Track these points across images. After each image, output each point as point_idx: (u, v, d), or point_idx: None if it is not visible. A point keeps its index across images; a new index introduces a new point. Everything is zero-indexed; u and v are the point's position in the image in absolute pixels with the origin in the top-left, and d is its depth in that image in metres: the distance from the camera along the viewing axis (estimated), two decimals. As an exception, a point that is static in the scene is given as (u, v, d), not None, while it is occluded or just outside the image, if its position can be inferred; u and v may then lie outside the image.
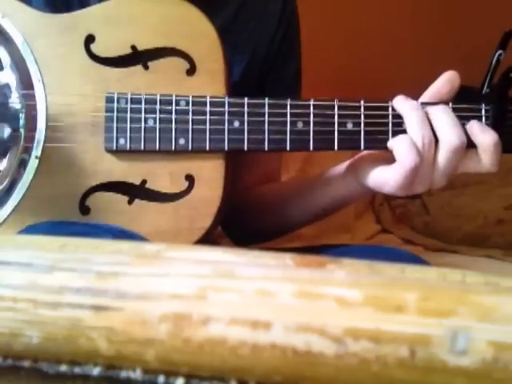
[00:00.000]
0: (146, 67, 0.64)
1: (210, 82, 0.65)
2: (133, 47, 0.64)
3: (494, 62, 0.63)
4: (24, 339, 0.25)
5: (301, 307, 0.24)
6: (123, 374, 0.25)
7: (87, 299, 0.25)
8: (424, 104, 0.62)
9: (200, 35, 0.65)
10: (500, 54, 0.63)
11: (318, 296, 0.24)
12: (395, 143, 0.60)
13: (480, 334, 0.23)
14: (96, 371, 0.25)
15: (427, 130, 0.59)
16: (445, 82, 0.63)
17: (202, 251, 0.28)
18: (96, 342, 0.24)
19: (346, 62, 1.75)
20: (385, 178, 0.61)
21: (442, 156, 0.59)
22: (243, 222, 0.82)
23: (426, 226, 1.57)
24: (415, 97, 0.63)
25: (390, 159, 0.61)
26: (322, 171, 0.73)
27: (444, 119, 0.60)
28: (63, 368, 0.26)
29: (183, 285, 0.25)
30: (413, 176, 0.59)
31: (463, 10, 1.71)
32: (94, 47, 0.64)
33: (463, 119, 0.62)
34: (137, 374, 0.25)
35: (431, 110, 0.61)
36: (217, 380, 0.24)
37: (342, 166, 0.70)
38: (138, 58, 0.64)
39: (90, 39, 0.64)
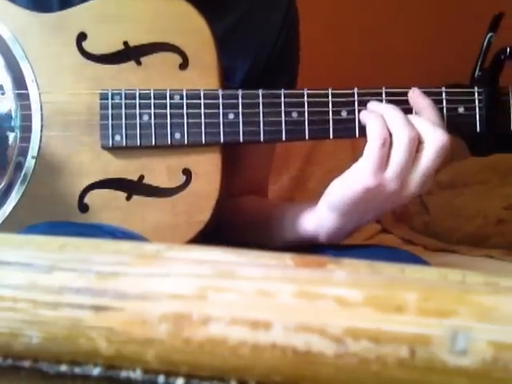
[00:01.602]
0: (139, 63, 0.64)
1: (203, 76, 0.65)
2: (125, 43, 0.64)
3: (485, 45, 0.64)
4: (24, 339, 0.25)
5: (301, 307, 0.24)
6: (123, 373, 0.25)
7: (87, 299, 0.25)
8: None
9: (192, 29, 0.65)
10: (491, 37, 0.63)
11: (317, 296, 0.24)
12: (368, 116, 0.61)
13: (480, 334, 0.23)
14: (96, 371, 0.25)
15: (411, 125, 0.59)
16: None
17: (201, 251, 0.28)
18: (96, 341, 0.24)
19: (343, 59, 1.76)
20: (355, 171, 0.59)
21: (427, 156, 0.58)
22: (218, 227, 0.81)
23: (425, 226, 1.57)
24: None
25: None
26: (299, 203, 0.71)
27: (427, 117, 0.60)
28: (63, 368, 0.26)
29: (183, 285, 0.25)
30: (384, 155, 0.57)
31: (459, 7, 1.71)
32: (86, 45, 0.64)
33: (456, 103, 0.63)
34: (137, 374, 0.25)
35: (417, 105, 0.61)
36: (217, 380, 0.24)
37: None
38: (130, 53, 0.64)
39: (81, 37, 0.64)
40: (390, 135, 0.58)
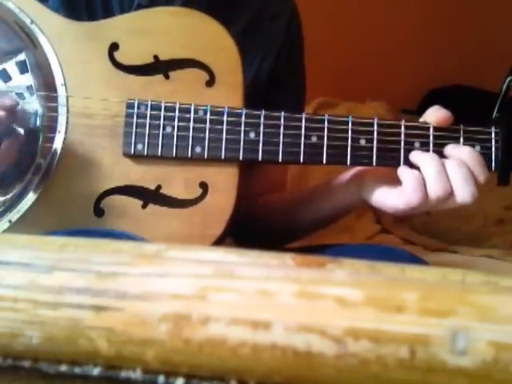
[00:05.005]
0: (167, 77, 0.66)
1: (228, 94, 0.66)
2: (155, 57, 0.66)
3: (504, 88, 0.65)
4: (24, 339, 0.25)
5: (301, 307, 0.24)
6: (123, 374, 0.25)
7: (87, 299, 0.25)
8: (438, 134, 0.64)
9: (221, 49, 0.67)
10: (510, 81, 0.64)
11: (318, 296, 0.24)
12: (406, 174, 0.62)
13: (480, 334, 0.23)
14: (96, 371, 0.25)
15: (446, 182, 0.61)
16: (430, 114, 0.66)
17: (202, 251, 0.27)
18: (96, 342, 0.24)
19: (348, 61, 1.76)
20: (387, 201, 0.64)
21: (449, 203, 0.63)
22: (249, 229, 0.83)
23: (426, 226, 1.57)
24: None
25: (394, 178, 0.63)
26: (325, 181, 0.75)
27: (459, 176, 0.62)
28: (63, 368, 0.26)
29: (183, 285, 0.25)
30: (413, 209, 0.62)
31: (466, 11, 1.71)
32: (117, 55, 0.66)
33: (473, 141, 0.64)
34: (137, 374, 0.25)
35: (448, 163, 0.62)
36: (217, 380, 0.24)
37: (345, 176, 0.71)
38: (159, 67, 0.66)
39: (113, 47, 0.66)
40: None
